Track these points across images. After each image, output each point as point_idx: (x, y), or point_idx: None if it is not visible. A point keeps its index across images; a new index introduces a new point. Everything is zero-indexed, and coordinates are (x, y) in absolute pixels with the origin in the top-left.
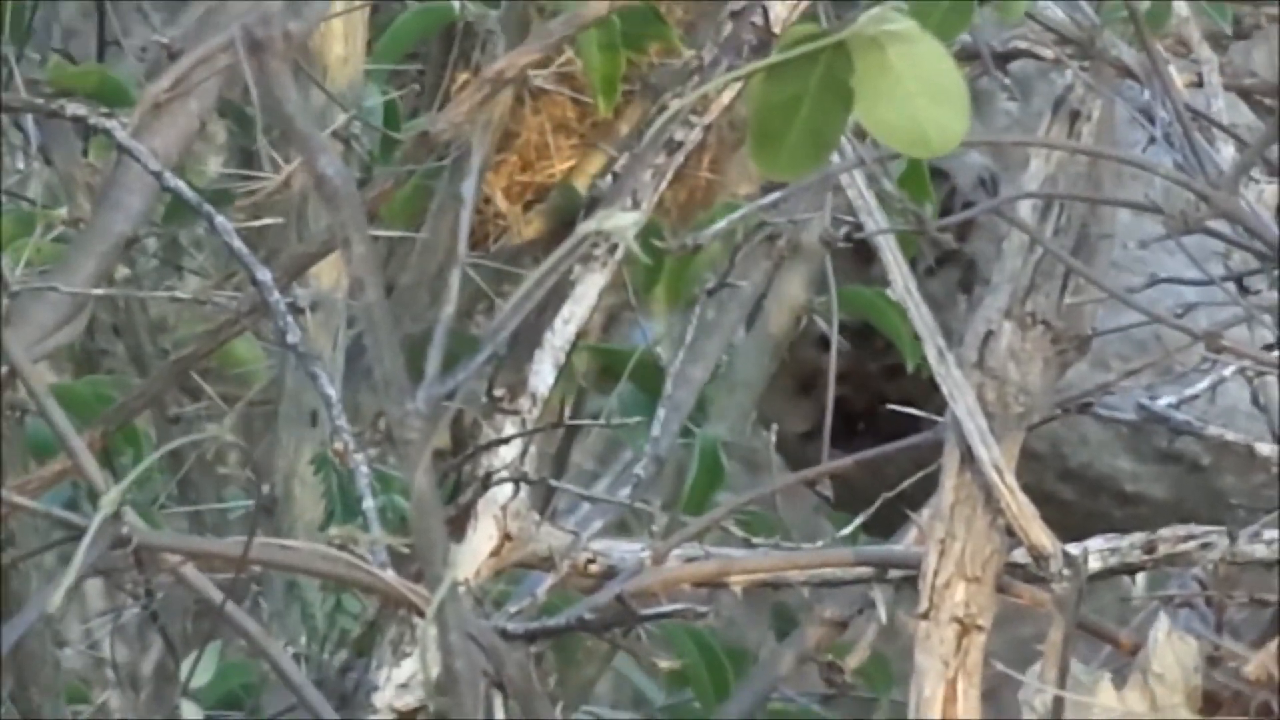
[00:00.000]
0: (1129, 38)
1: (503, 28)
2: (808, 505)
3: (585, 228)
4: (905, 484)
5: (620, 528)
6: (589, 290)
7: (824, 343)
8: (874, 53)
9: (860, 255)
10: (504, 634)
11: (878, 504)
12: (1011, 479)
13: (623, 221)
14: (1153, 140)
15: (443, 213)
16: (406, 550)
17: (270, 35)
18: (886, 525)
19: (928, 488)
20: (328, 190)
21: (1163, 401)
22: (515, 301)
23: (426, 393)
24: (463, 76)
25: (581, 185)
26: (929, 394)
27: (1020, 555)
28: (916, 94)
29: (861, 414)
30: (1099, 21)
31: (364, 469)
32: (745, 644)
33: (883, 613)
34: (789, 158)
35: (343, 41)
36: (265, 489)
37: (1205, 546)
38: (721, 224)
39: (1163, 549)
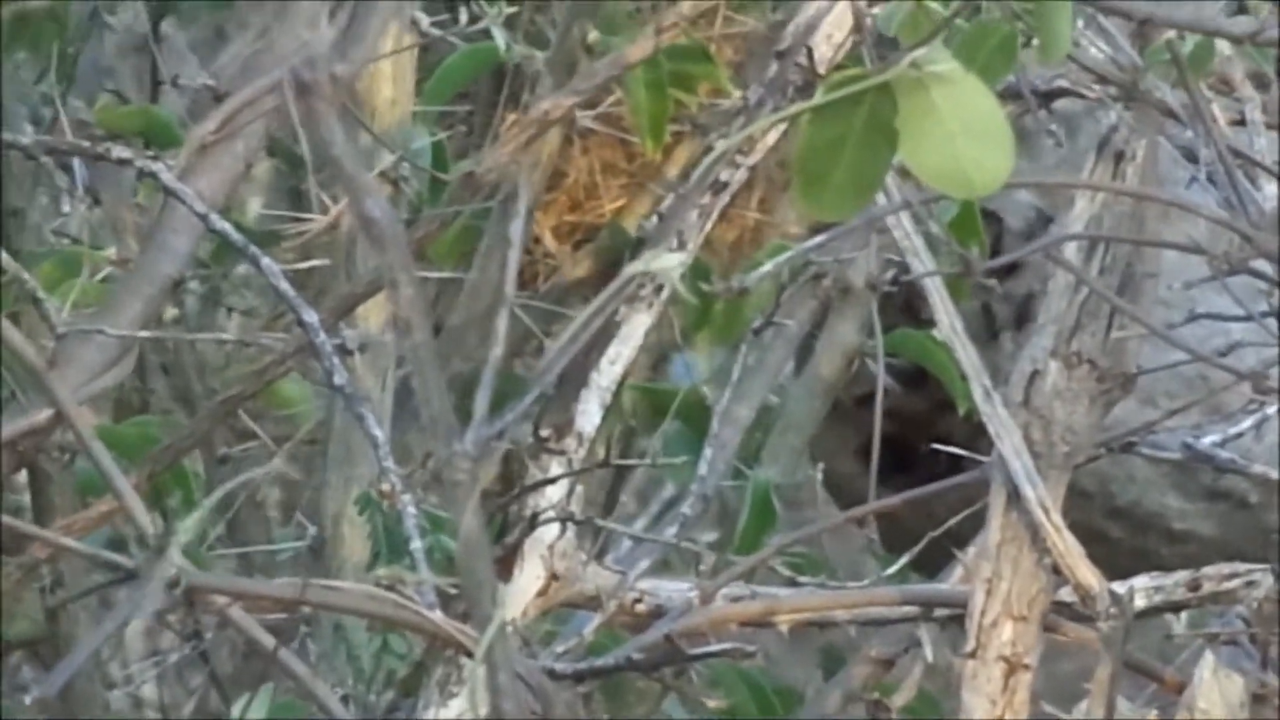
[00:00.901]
0: (1172, 78)
1: (550, 69)
2: (855, 544)
3: (632, 268)
4: (951, 522)
5: (665, 566)
6: (635, 331)
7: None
8: (918, 94)
9: (912, 296)
10: (552, 674)
11: (924, 543)
12: (1058, 517)
13: (669, 262)
14: (1195, 179)
15: (490, 253)
16: (454, 591)
17: (318, 78)
18: (933, 564)
19: (974, 526)
20: (374, 231)
21: (1208, 440)
22: (563, 342)
23: (475, 434)
24: (511, 117)
25: (630, 225)
26: (978, 434)
27: (1067, 594)
28: (960, 135)
29: (911, 454)
30: (1142, 63)
31: (411, 510)
32: (792, 683)
33: (929, 651)
34: (834, 198)
35: (391, 83)
36: (313, 530)
37: (1250, 584)
38: (768, 266)
39: (1207, 587)
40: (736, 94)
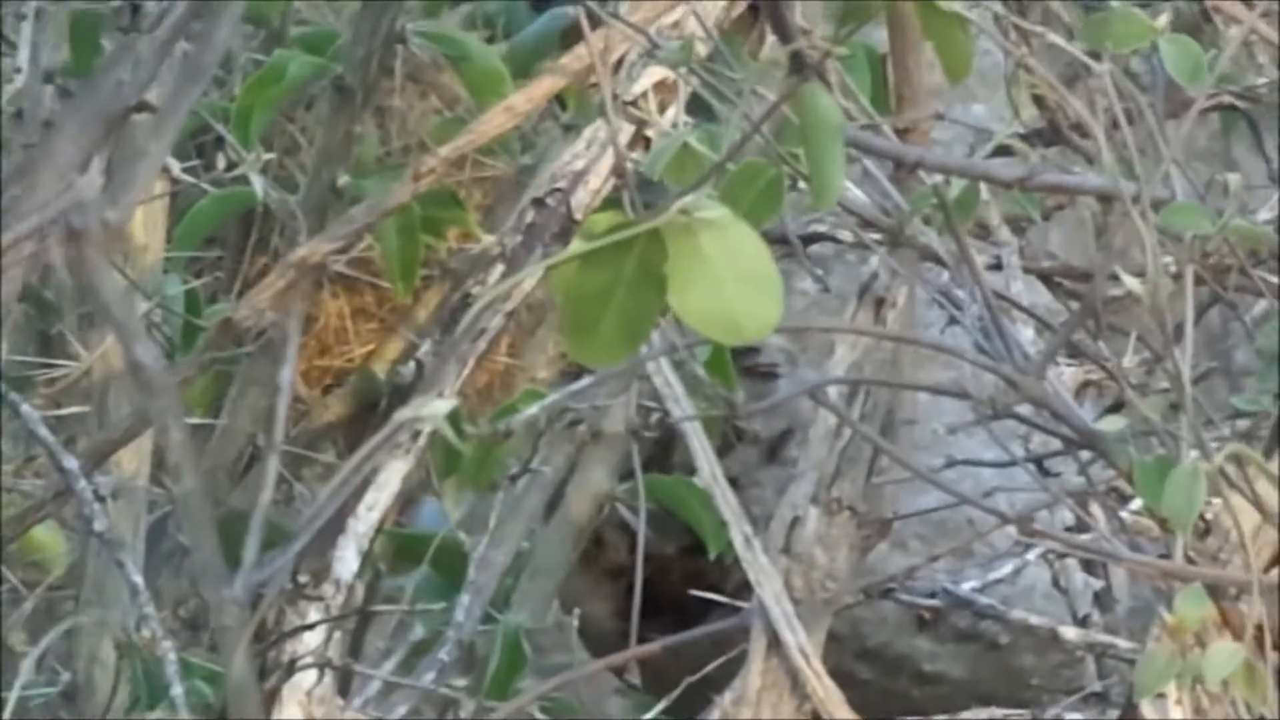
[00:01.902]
0: (935, 223)
1: (303, 212)
2: (608, 689)
3: (401, 415)
4: (709, 668)
5: (417, 713)
6: (393, 477)
7: (625, 529)
8: (687, 240)
9: (660, 442)
10: None
11: (681, 687)
12: (818, 664)
13: (438, 409)
14: (953, 322)
15: (242, 398)
16: None
17: (89, 224)
18: (688, 708)
19: (730, 671)
20: (144, 377)
21: (967, 585)
22: (332, 488)
23: (244, 579)
24: (261, 261)
25: (380, 369)
26: (727, 577)
27: None
28: (729, 281)
29: (661, 598)
30: (907, 207)
31: (171, 655)
32: None
33: None
34: (604, 346)
35: (142, 229)
36: (66, 676)
37: None
38: (531, 410)
39: None
40: (485, 238)
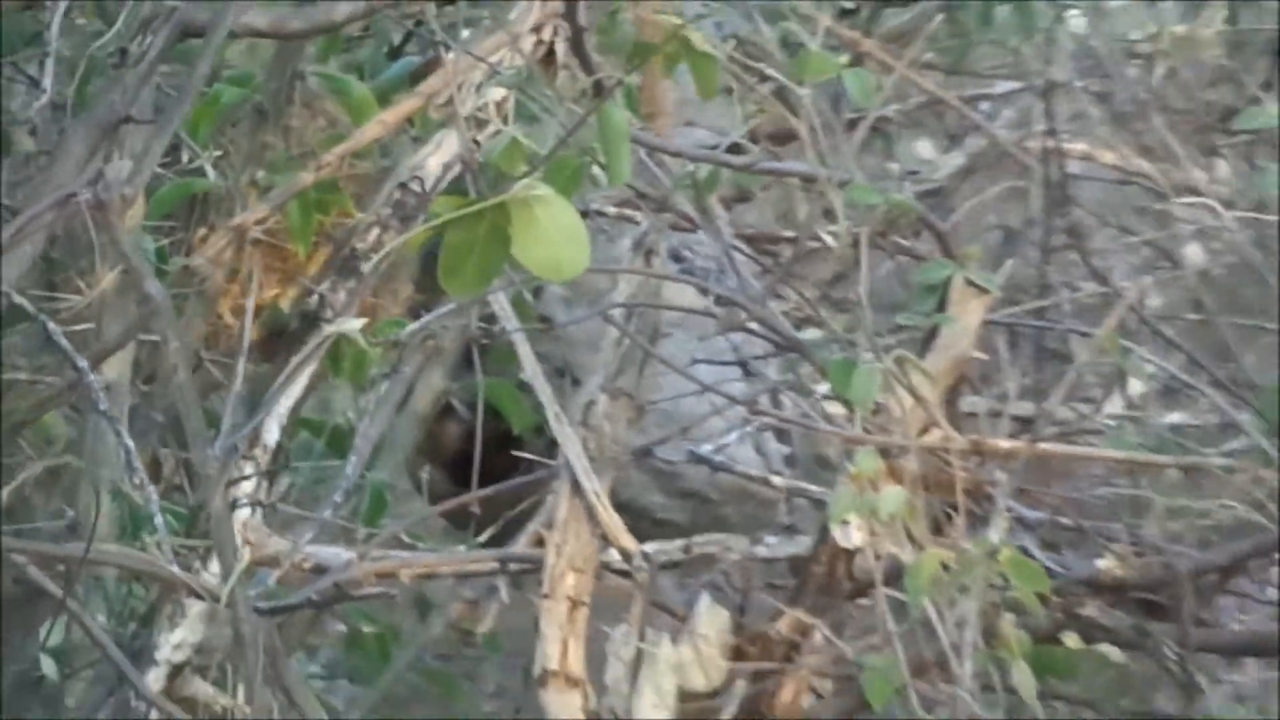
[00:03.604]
0: (688, 196)
1: (237, 196)
2: (439, 526)
3: (330, 330)
4: (515, 510)
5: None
6: (303, 377)
7: (458, 421)
8: (525, 210)
9: (467, 358)
10: (258, 610)
11: (500, 522)
12: (607, 502)
13: (354, 324)
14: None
15: (189, 324)
16: (179, 554)
17: (112, 197)
18: (493, 541)
19: (526, 515)
20: (152, 304)
21: (706, 448)
22: (280, 382)
23: (223, 442)
24: (200, 230)
25: (284, 306)
26: (525, 450)
27: (612, 555)
28: (554, 238)
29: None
30: (671, 185)
31: (154, 493)
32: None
33: (504, 594)
34: (466, 283)
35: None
36: (70, 514)
37: (727, 549)
38: (412, 328)
39: (697, 550)
40: (357, 215)
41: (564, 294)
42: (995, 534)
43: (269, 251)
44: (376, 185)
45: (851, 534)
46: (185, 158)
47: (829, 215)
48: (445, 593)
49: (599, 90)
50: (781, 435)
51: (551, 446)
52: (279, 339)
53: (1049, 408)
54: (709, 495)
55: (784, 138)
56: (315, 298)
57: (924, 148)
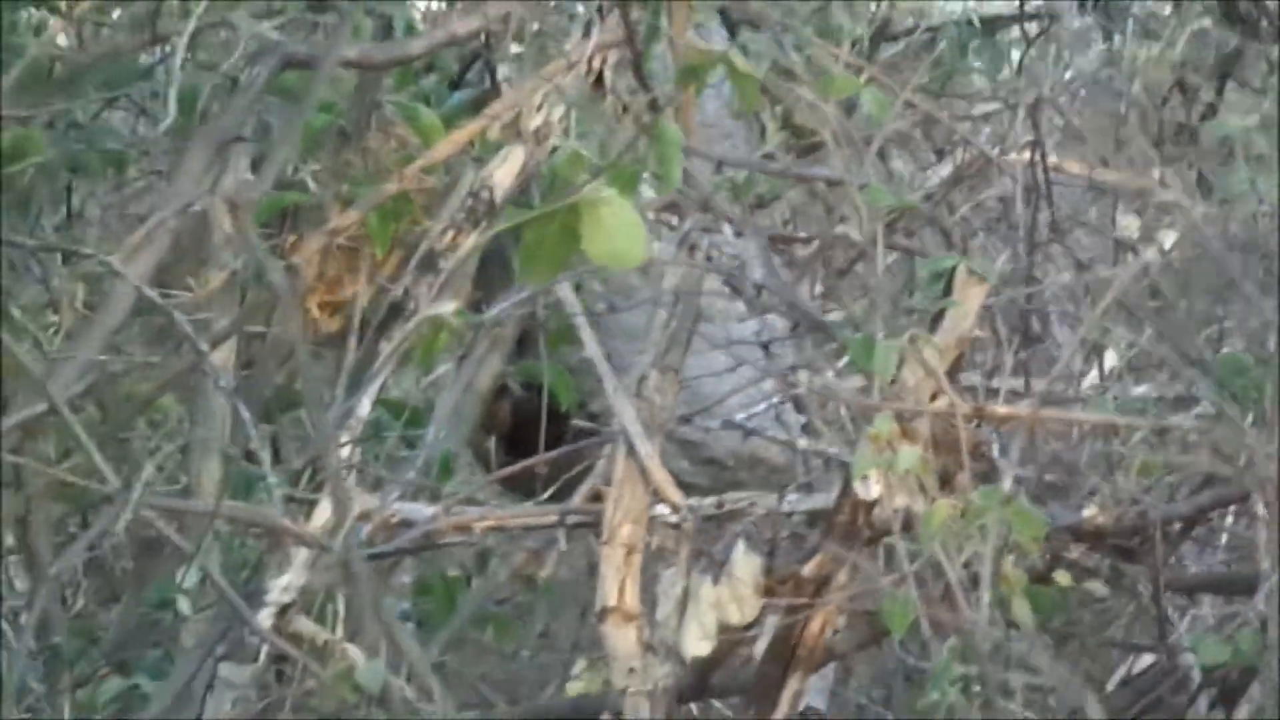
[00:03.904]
0: (729, 200)
1: (327, 205)
2: (495, 492)
3: (421, 315)
4: (571, 474)
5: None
6: (390, 359)
7: (505, 394)
8: (592, 210)
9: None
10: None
11: (559, 483)
12: (658, 463)
13: (447, 308)
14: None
15: (285, 317)
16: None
17: (241, 198)
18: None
19: (575, 481)
20: (279, 292)
21: (739, 417)
22: (381, 363)
23: (338, 411)
24: (291, 237)
25: (364, 301)
26: (568, 426)
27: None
28: (619, 233)
29: (528, 442)
30: (712, 188)
31: (266, 454)
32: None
33: (563, 543)
34: (540, 273)
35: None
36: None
37: (753, 505)
38: (490, 314)
39: (729, 506)
40: (428, 223)
41: (601, 290)
42: (1006, 483)
43: (350, 255)
44: (443, 198)
45: (871, 487)
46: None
47: (840, 218)
48: (506, 546)
49: (654, 107)
50: (799, 407)
51: (592, 420)
52: (361, 331)
53: (1046, 378)
54: (728, 463)
55: (803, 150)
56: (399, 293)
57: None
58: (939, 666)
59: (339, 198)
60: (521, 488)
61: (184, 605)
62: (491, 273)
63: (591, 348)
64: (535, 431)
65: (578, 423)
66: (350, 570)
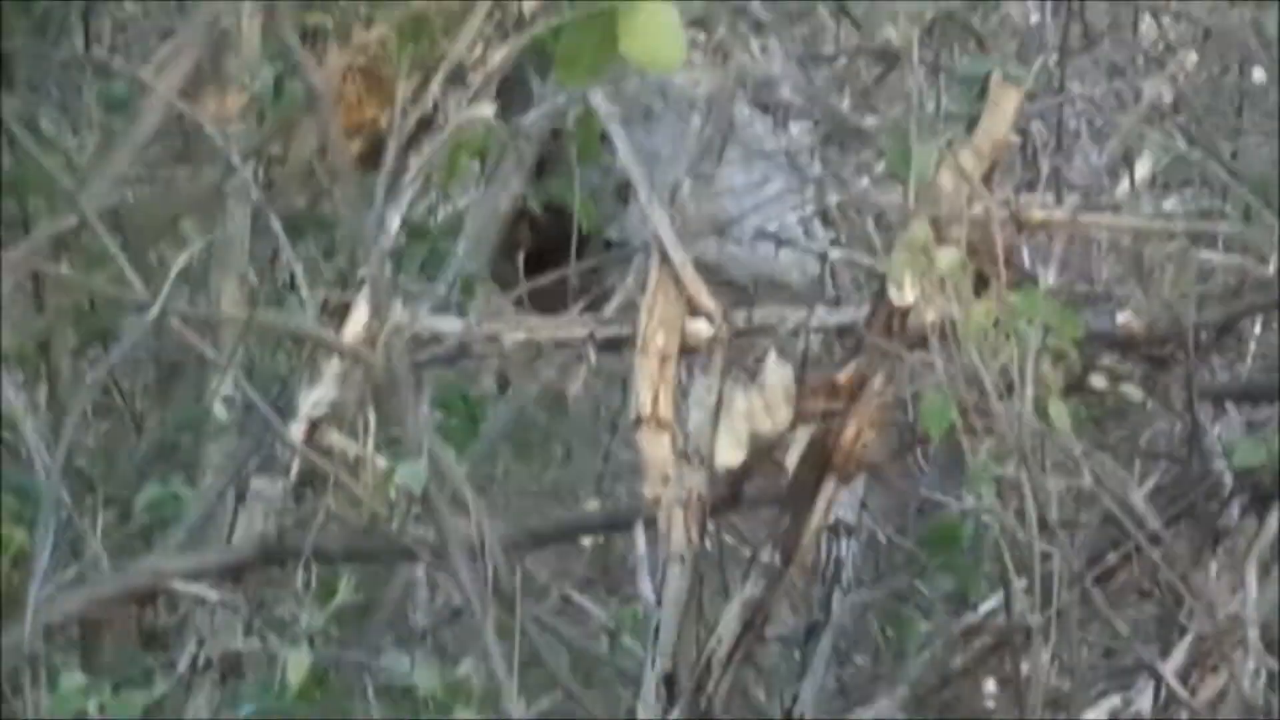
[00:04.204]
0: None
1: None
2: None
3: (462, 115)
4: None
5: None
6: (421, 171)
7: (524, 216)
8: (630, 14)
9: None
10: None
11: (590, 297)
12: (692, 270)
13: (486, 109)
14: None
15: (305, 139)
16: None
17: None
18: None
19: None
20: (314, 92)
21: (772, 227)
22: (413, 175)
23: (373, 219)
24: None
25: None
26: (592, 245)
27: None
28: (657, 35)
29: (549, 259)
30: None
31: (298, 266)
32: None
33: (593, 357)
34: (581, 76)
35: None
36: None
37: (782, 320)
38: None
39: (758, 320)
40: (446, 46)
41: (621, 114)
42: (1050, 279)
43: (368, 76)
44: (460, 20)
45: (906, 294)
46: None
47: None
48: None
49: None
50: (827, 221)
51: (608, 247)
52: (378, 154)
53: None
54: (748, 289)
55: None
56: (427, 109)
57: None
58: (976, 468)
59: (359, 19)
60: (547, 311)
61: (219, 412)
62: (511, 94)
63: (625, 151)
64: (556, 255)
65: (604, 239)
66: (392, 374)
